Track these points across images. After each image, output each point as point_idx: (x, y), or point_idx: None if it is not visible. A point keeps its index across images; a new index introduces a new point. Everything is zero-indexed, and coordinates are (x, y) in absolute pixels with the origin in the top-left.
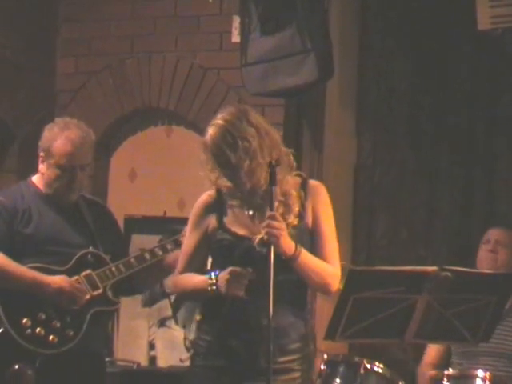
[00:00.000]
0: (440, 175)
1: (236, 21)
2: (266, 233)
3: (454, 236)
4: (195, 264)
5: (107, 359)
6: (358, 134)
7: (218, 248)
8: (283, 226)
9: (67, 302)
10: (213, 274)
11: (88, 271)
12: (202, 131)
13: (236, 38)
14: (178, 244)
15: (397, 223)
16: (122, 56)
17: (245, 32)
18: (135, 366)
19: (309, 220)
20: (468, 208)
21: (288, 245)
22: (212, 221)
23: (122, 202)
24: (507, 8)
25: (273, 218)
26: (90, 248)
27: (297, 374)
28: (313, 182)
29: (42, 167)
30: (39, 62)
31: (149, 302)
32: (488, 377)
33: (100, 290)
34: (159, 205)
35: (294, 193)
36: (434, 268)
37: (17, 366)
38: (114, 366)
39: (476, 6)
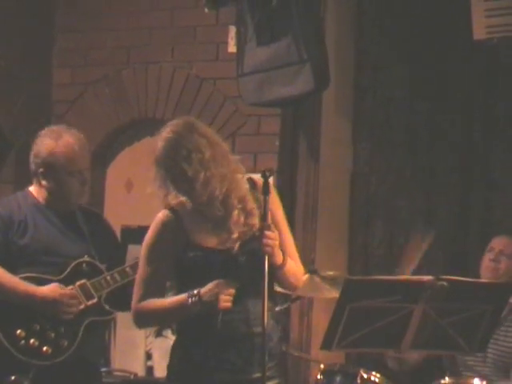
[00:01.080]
0: (436, 183)
1: (232, 31)
2: (263, 244)
3: (449, 243)
4: (159, 290)
5: (104, 369)
6: (354, 142)
7: (191, 266)
8: (277, 235)
9: (60, 313)
10: (195, 291)
11: (83, 281)
12: None
13: (232, 48)
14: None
15: (393, 231)
16: (118, 66)
17: (241, 42)
18: (132, 377)
19: (268, 219)
20: (464, 216)
21: (279, 254)
22: (177, 240)
23: (119, 212)
24: (502, 18)
25: (268, 228)
26: (86, 257)
27: (277, 381)
28: (259, 181)
29: (44, 183)
30: (36, 71)
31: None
32: None
33: (95, 300)
34: (156, 215)
35: (249, 197)
36: (430, 277)
37: (13, 377)
38: (110, 377)
39: (472, 15)
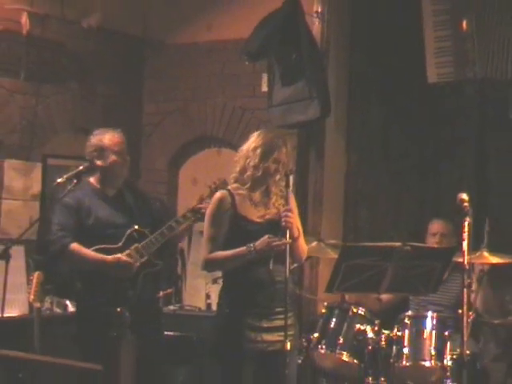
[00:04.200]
0: (404, 181)
1: (265, 77)
2: (284, 221)
3: (413, 224)
4: (220, 245)
5: (177, 305)
6: (347, 152)
7: (237, 230)
8: (296, 216)
9: (125, 272)
10: (251, 244)
11: (135, 245)
12: None
13: (265, 88)
14: (196, 215)
15: (374, 214)
16: (187, 102)
17: (270, 84)
18: (197, 310)
19: (289, 204)
20: (422, 204)
21: (295, 230)
22: (228, 211)
23: (188, 200)
24: (447, 68)
25: (289, 210)
26: (135, 227)
27: (292, 313)
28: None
29: (98, 162)
30: (131, 105)
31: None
32: (435, 316)
33: (146, 257)
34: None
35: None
36: (399, 244)
37: (119, 309)
38: (183, 310)
39: (426, 64)
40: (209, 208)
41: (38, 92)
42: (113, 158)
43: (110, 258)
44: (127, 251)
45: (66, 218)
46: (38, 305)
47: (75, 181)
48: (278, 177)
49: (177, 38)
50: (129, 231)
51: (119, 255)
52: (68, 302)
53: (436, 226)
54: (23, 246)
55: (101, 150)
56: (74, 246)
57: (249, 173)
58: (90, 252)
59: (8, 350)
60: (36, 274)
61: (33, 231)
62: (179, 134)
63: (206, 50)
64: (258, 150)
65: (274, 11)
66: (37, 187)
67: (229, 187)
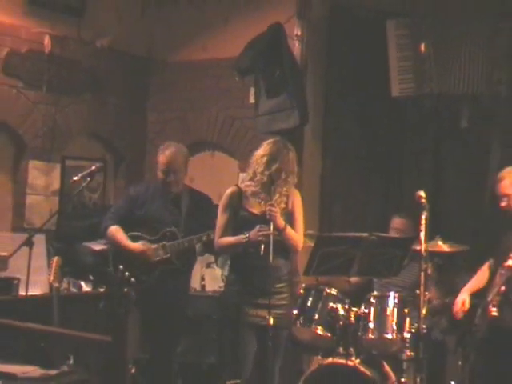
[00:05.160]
0: (371, 182)
1: (252, 90)
2: (268, 214)
3: (378, 218)
4: (228, 232)
5: None
6: (322, 157)
7: (240, 220)
8: (278, 211)
9: (143, 259)
10: (245, 233)
11: (164, 242)
12: (233, 155)
13: (252, 100)
14: (209, 238)
15: (345, 210)
16: (184, 112)
17: (257, 96)
18: (193, 291)
19: (289, 208)
20: (386, 201)
21: (280, 222)
22: (236, 205)
23: None
24: (408, 84)
25: (272, 205)
26: (172, 228)
27: (286, 295)
28: (295, 190)
29: (158, 172)
30: (137, 114)
31: (201, 254)
32: (396, 296)
33: (168, 255)
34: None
35: (292, 194)
36: (366, 234)
37: (126, 289)
38: None
39: (390, 80)
40: (221, 201)
41: (57, 103)
42: (159, 174)
43: (135, 245)
44: (155, 245)
45: (121, 205)
46: (56, 285)
47: (88, 179)
48: (280, 181)
49: (177, 57)
50: (165, 230)
51: (145, 247)
52: (82, 283)
53: (396, 222)
54: (44, 235)
55: (157, 164)
56: (112, 228)
57: (258, 177)
58: (122, 237)
59: (31, 324)
60: (55, 258)
61: (52, 222)
62: (178, 139)
63: (202, 67)
64: (265, 159)
65: (260, 34)
66: (56, 184)
67: (240, 184)
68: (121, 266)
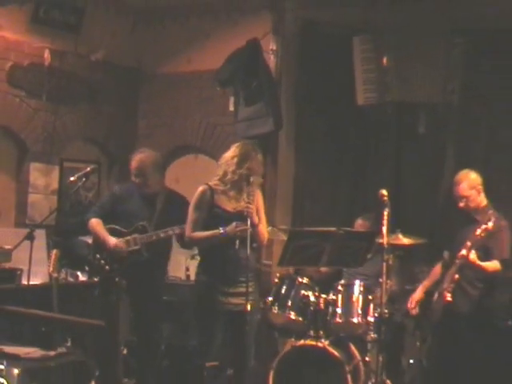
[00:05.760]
0: (340, 182)
1: (232, 99)
2: (246, 211)
3: (345, 214)
4: (199, 227)
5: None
6: (295, 159)
7: (214, 216)
8: (254, 208)
9: (117, 251)
10: (221, 228)
11: (135, 235)
12: (215, 158)
13: (232, 108)
14: (182, 231)
15: (316, 206)
16: (171, 119)
17: (236, 105)
18: (179, 280)
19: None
20: (353, 199)
21: (256, 218)
22: (208, 202)
23: None
24: (372, 93)
25: (249, 203)
26: (144, 222)
27: (253, 283)
28: (258, 189)
29: (132, 177)
30: (128, 121)
31: (185, 246)
32: (362, 284)
33: (138, 247)
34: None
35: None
36: (335, 228)
37: (117, 279)
38: (168, 280)
39: (356, 90)
40: (193, 197)
41: (56, 110)
42: (131, 176)
43: (109, 238)
44: (127, 237)
45: (105, 201)
46: (55, 275)
47: (84, 179)
48: (249, 180)
49: (164, 69)
50: (137, 224)
51: (118, 240)
52: (79, 273)
53: (359, 223)
54: (44, 230)
55: (131, 170)
56: (93, 220)
57: (229, 177)
58: (101, 229)
59: (33, 310)
60: (54, 251)
61: (52, 218)
62: (165, 144)
63: (187, 78)
64: (235, 159)
65: (239, 48)
66: (55, 184)
67: (210, 183)
68: (98, 255)
